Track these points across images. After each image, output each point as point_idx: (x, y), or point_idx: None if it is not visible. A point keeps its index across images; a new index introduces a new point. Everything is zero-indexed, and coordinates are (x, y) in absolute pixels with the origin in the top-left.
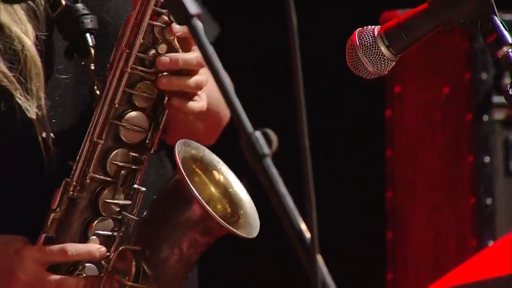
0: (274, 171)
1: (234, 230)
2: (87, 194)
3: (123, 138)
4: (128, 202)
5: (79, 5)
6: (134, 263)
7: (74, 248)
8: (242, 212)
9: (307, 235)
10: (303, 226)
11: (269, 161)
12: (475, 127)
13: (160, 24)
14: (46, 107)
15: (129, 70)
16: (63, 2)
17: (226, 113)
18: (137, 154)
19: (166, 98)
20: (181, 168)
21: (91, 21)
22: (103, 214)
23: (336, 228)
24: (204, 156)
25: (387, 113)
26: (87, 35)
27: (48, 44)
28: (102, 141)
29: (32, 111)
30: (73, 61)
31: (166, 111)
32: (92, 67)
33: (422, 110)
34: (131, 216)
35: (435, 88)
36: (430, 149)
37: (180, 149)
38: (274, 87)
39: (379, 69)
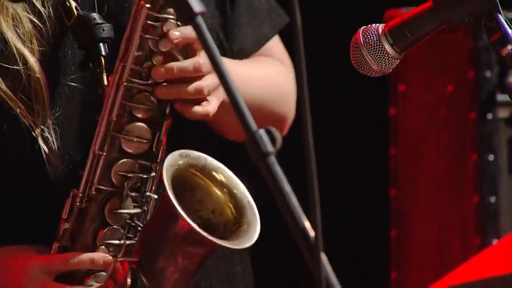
0: (278, 169)
1: (225, 244)
2: (95, 204)
3: (125, 149)
4: (137, 210)
5: (94, 14)
6: (130, 274)
7: (75, 257)
8: (245, 220)
9: (311, 233)
10: (307, 224)
11: (273, 159)
12: (479, 125)
13: (153, 37)
14: (52, 121)
15: (124, 83)
16: (75, 12)
17: (278, 108)
18: (145, 163)
19: (168, 108)
20: (166, 182)
21: (105, 30)
22: (111, 223)
23: (340, 227)
24: (206, 164)
25: (391, 111)
26: (100, 44)
27: (59, 55)
28: (105, 153)
29: (37, 130)
30: (86, 71)
31: (169, 119)
32: (104, 76)
33: (426, 108)
34: (138, 223)
35: (439, 87)
36: (434, 148)
37: (173, 161)
38: None
39: (383, 67)
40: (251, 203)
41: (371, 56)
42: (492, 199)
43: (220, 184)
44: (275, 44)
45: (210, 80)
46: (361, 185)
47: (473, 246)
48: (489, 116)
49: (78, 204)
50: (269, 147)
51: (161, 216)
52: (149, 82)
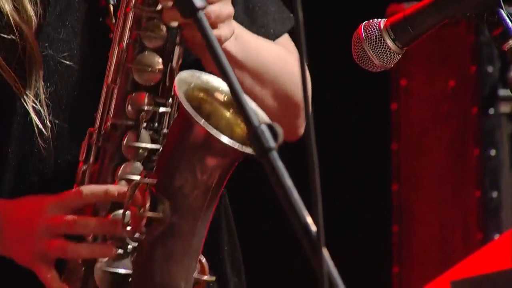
0: (280, 164)
1: (245, 150)
2: (112, 141)
3: (138, 80)
4: (156, 146)
5: None
6: (149, 195)
7: (89, 189)
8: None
9: (313, 228)
10: (309, 219)
11: (275, 154)
12: (481, 120)
13: None
14: (45, 95)
15: (132, 9)
16: None
17: (292, 93)
18: (159, 97)
19: (179, 36)
20: (178, 91)
21: None
22: (129, 158)
23: (342, 222)
24: (213, 85)
25: (393, 106)
26: None
27: (53, 31)
28: (118, 85)
29: (30, 102)
30: (80, 47)
31: (180, 49)
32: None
33: (428, 103)
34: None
35: (441, 81)
36: (436, 143)
37: (185, 76)
38: None
39: (385, 62)
40: (264, 117)
41: (373, 51)
42: (494, 194)
43: (226, 105)
44: (286, 40)
45: (221, 5)
46: (363, 180)
47: (475, 241)
48: (491, 111)
49: (95, 142)
50: (271, 142)
51: (177, 131)
52: (158, 8)
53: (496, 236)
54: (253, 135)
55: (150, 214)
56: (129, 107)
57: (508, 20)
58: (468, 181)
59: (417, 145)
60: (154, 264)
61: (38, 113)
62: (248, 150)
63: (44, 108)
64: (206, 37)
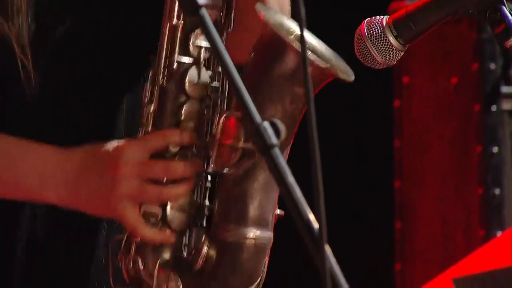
0: (282, 161)
1: (333, 70)
2: (175, 80)
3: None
4: (216, 84)
5: None
6: (241, 128)
7: (170, 131)
8: (329, 65)
9: (315, 225)
10: (311, 216)
11: (277, 151)
12: (483, 117)
13: None
14: (30, 40)
15: None
16: None
17: None
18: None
19: None
20: (265, 17)
21: None
22: (191, 96)
23: (345, 219)
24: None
25: (396, 104)
26: None
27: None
28: (181, 22)
29: (16, 46)
30: None
31: None
32: None
33: (430, 100)
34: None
35: (443, 79)
36: (438, 140)
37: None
38: None
39: (388, 59)
40: (328, 51)
41: (375, 48)
42: (496, 191)
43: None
44: None
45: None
46: (366, 177)
47: (477, 238)
48: (493, 108)
49: (160, 82)
50: (274, 139)
51: (261, 60)
52: None
53: (499, 233)
54: (255, 132)
55: (244, 145)
56: (193, 45)
57: (510, 17)
58: (471, 178)
59: (419, 142)
60: (246, 198)
61: (25, 55)
62: (339, 73)
63: (29, 52)
64: (208, 34)
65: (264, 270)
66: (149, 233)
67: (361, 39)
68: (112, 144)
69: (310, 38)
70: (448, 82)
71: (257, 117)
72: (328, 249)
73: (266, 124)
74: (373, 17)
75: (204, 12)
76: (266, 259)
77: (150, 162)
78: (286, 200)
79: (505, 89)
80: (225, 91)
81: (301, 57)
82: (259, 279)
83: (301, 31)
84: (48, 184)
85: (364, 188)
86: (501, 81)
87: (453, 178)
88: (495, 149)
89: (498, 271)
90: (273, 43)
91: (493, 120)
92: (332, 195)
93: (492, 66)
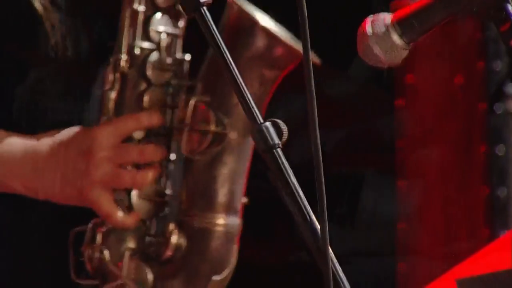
0: (284, 162)
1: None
2: (136, 67)
3: (156, 2)
4: (177, 69)
5: None
6: (210, 112)
7: (143, 114)
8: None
9: (318, 226)
10: (313, 217)
11: (279, 152)
12: (488, 117)
13: None
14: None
15: None
16: None
17: None
18: (173, 19)
19: None
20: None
21: None
22: (153, 82)
23: (345, 219)
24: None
25: (399, 103)
26: None
27: None
28: (142, 6)
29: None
30: None
31: None
32: None
33: (434, 99)
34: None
35: (447, 78)
36: (442, 139)
37: None
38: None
39: (392, 58)
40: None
41: (379, 47)
42: (501, 192)
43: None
44: None
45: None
46: (367, 177)
47: (481, 238)
48: (499, 107)
49: (122, 69)
50: (276, 140)
51: (229, 39)
52: None
53: (503, 234)
54: (257, 132)
55: (215, 129)
56: (152, 31)
57: None
58: (475, 178)
59: (422, 141)
60: (215, 184)
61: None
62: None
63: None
64: (209, 33)
65: (233, 257)
66: (124, 219)
67: (364, 37)
68: (81, 130)
69: (268, 21)
70: (452, 81)
71: (259, 117)
72: (331, 251)
73: (268, 124)
74: (376, 15)
75: (205, 9)
76: (235, 246)
77: (124, 146)
78: (288, 200)
79: (510, 88)
80: (186, 77)
81: (303, 58)
82: (229, 266)
83: (305, 27)
84: (13, 173)
85: (366, 187)
86: (506, 80)
87: (457, 178)
88: (500, 149)
89: (503, 273)
90: (240, 24)
91: (498, 119)
92: (334, 195)
93: (498, 65)
